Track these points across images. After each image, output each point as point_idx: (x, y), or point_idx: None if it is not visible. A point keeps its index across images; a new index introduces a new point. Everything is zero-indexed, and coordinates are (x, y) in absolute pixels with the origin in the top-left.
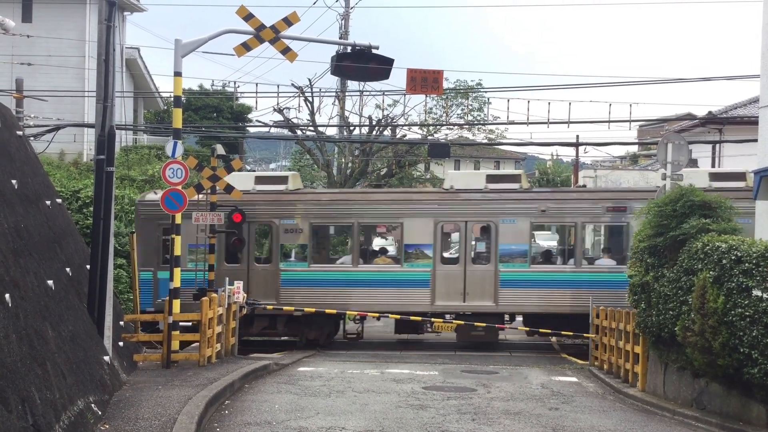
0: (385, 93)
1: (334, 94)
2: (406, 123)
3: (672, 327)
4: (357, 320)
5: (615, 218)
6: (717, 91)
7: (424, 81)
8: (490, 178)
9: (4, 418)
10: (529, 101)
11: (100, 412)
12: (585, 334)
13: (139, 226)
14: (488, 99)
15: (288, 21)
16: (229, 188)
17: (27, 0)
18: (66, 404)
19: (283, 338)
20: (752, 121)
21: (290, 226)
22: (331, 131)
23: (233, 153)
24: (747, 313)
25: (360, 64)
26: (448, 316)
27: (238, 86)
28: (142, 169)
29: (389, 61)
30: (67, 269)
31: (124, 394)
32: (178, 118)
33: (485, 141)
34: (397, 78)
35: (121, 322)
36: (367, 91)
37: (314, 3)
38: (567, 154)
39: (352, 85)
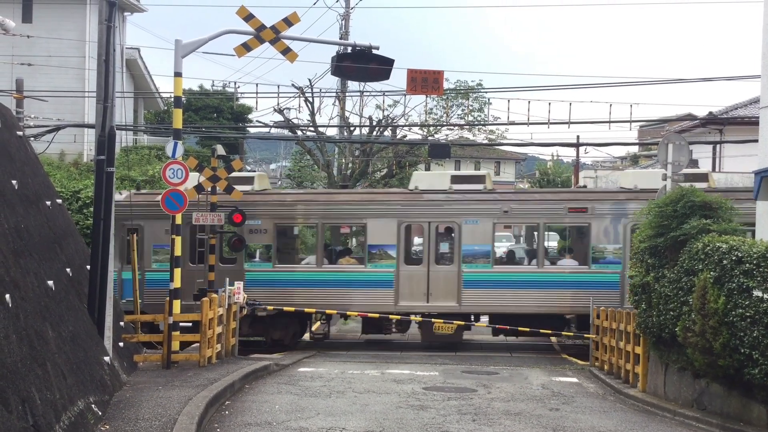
0: (386, 93)
1: (334, 94)
2: (407, 123)
3: (672, 327)
4: (323, 320)
5: (576, 219)
6: (717, 92)
7: (425, 81)
8: (455, 179)
9: (5, 418)
10: (529, 102)
11: (100, 413)
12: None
13: None
14: (488, 99)
15: (288, 21)
16: (229, 189)
17: (27, 0)
18: (66, 404)
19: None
20: (753, 122)
21: (255, 226)
22: (332, 132)
23: (233, 153)
24: (748, 314)
25: (360, 64)
26: (412, 317)
27: (239, 87)
28: (142, 169)
29: (389, 62)
30: (68, 270)
31: (124, 395)
32: (178, 119)
33: (485, 141)
34: (398, 78)
35: (122, 323)
36: (367, 91)
37: (314, 3)
38: (567, 154)
39: (352, 85)
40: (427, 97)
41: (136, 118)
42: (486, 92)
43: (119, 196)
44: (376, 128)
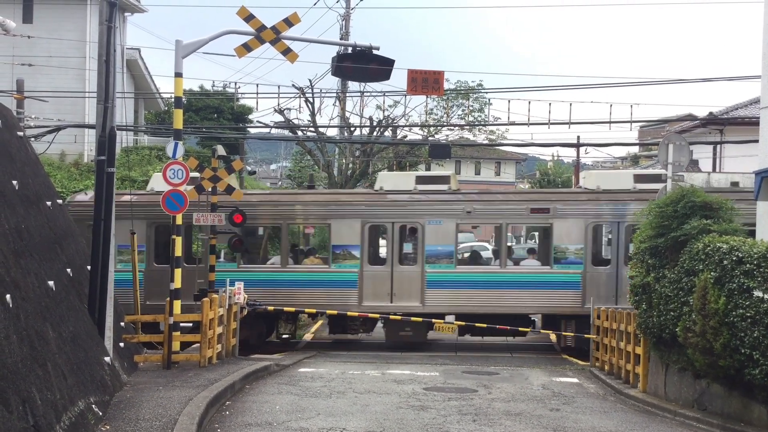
0: (386, 94)
1: (334, 94)
2: (407, 124)
3: (673, 328)
4: (289, 321)
5: (538, 220)
6: (718, 92)
7: (425, 82)
8: (420, 180)
9: (5, 418)
10: (529, 102)
11: (100, 413)
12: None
13: None
14: (489, 100)
15: (289, 22)
16: (230, 189)
17: (28, 1)
18: (67, 405)
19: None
20: (753, 122)
21: (219, 227)
22: (332, 132)
23: (234, 154)
24: (748, 314)
25: (361, 64)
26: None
27: (239, 87)
28: (142, 169)
29: (390, 62)
30: (68, 270)
31: (124, 395)
32: (178, 119)
33: (486, 142)
34: (398, 79)
35: (122, 323)
36: (367, 91)
37: (315, 4)
38: (568, 154)
39: (352, 85)
40: (427, 97)
41: (136, 119)
42: (486, 92)
43: (84, 196)
44: (377, 129)
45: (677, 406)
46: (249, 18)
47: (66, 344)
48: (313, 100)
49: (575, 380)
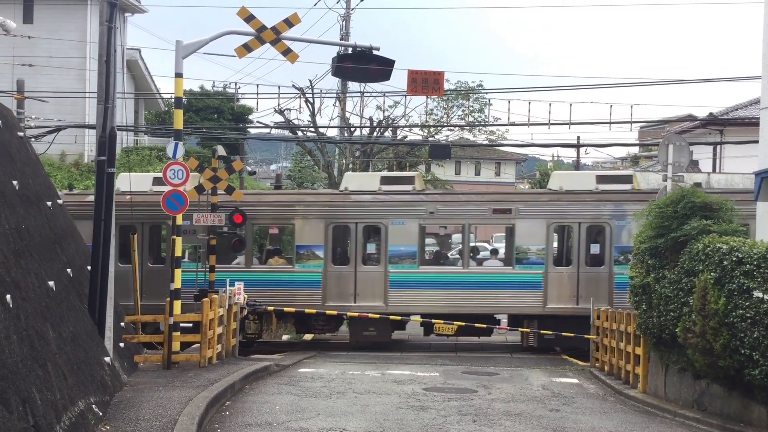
0: (386, 94)
1: (335, 95)
2: (407, 124)
3: (673, 328)
4: (256, 320)
5: (500, 220)
6: (718, 93)
7: (425, 82)
8: (385, 180)
9: (5, 418)
10: (530, 102)
11: (100, 413)
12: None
13: None
14: (489, 100)
15: (289, 22)
16: (230, 189)
17: (28, 1)
18: (67, 405)
19: None
20: (753, 123)
21: (186, 227)
22: (332, 132)
23: (234, 154)
24: (748, 315)
25: (361, 65)
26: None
27: (239, 87)
28: (143, 170)
29: (390, 63)
30: (68, 270)
31: (124, 395)
32: (179, 119)
33: (486, 142)
34: (398, 79)
35: (122, 323)
36: (367, 92)
37: (315, 4)
38: (568, 155)
39: (353, 86)
40: (427, 97)
41: (136, 119)
42: (486, 93)
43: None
44: (377, 129)
45: (677, 406)
46: (249, 18)
47: (66, 344)
48: (314, 101)
49: (575, 381)
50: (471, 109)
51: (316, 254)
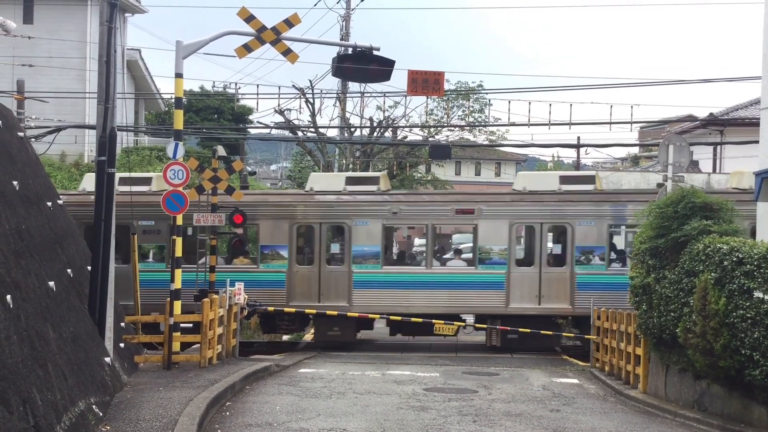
0: (386, 94)
1: (335, 95)
2: (407, 124)
3: (673, 329)
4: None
5: (464, 220)
6: (718, 93)
7: (425, 82)
8: (350, 180)
9: (6, 419)
10: (530, 102)
11: (101, 414)
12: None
13: None
14: (489, 100)
15: (289, 22)
16: (230, 189)
17: (28, 1)
18: (67, 405)
19: None
20: (753, 123)
21: (149, 227)
22: (332, 132)
23: (234, 154)
24: (748, 315)
25: (361, 65)
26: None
27: (239, 88)
28: (143, 170)
29: (390, 63)
30: (69, 270)
31: (125, 396)
32: (179, 120)
33: (486, 142)
34: (398, 79)
35: (122, 324)
36: (368, 92)
37: (315, 5)
38: (568, 155)
39: (353, 86)
40: (427, 98)
41: (137, 119)
42: (486, 93)
43: None
44: (377, 129)
45: (677, 406)
46: (249, 19)
47: (66, 345)
48: (314, 101)
49: (575, 381)
50: (471, 109)
51: (280, 254)
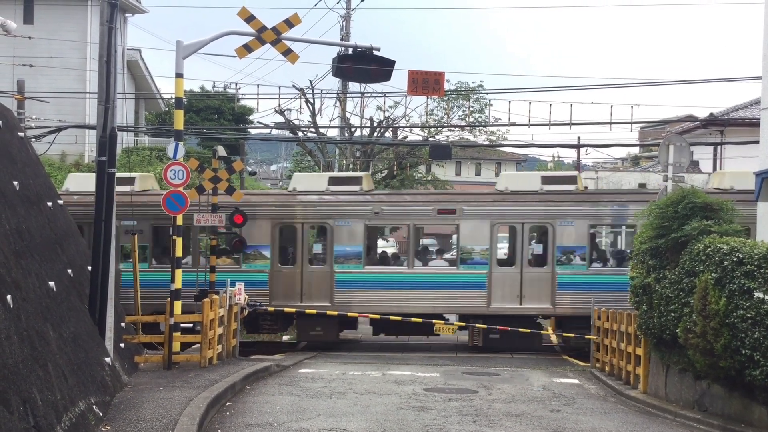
0: (387, 94)
1: (335, 95)
2: (408, 125)
3: (673, 329)
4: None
5: (445, 220)
6: (718, 93)
7: (426, 83)
8: (333, 181)
9: (6, 419)
10: (530, 103)
11: (101, 414)
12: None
13: None
14: (489, 101)
15: (289, 23)
16: (230, 189)
17: (28, 1)
18: (67, 405)
19: None
20: (754, 123)
21: (131, 227)
22: (333, 133)
23: (234, 154)
24: (749, 315)
25: (361, 65)
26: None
27: (240, 88)
28: (143, 170)
29: (390, 63)
30: (69, 270)
31: (125, 396)
32: (179, 120)
33: (486, 143)
34: (399, 80)
35: (123, 324)
36: (368, 92)
37: (315, 5)
38: (568, 155)
39: (353, 86)
40: (427, 98)
41: (137, 119)
42: (487, 93)
43: None
44: (377, 129)
45: (678, 407)
46: (250, 19)
47: (67, 345)
48: (314, 101)
49: (576, 381)
50: (471, 109)
51: (262, 254)
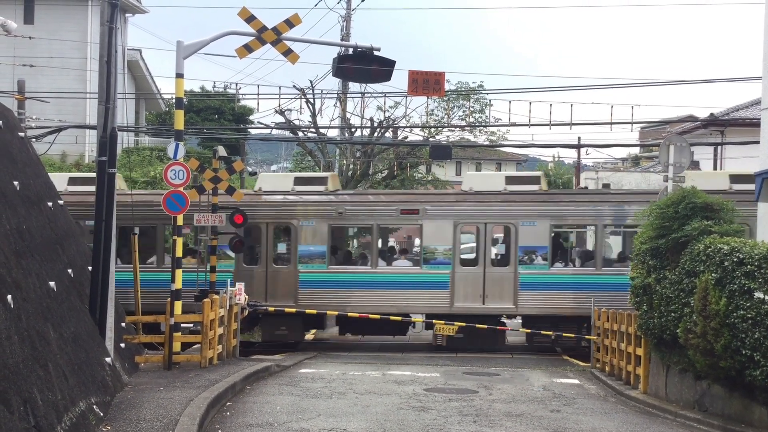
0: (387, 95)
1: (335, 95)
2: (408, 125)
3: (674, 329)
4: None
5: (408, 220)
6: (719, 93)
7: (426, 83)
8: (298, 181)
9: (6, 419)
10: (530, 103)
11: (101, 414)
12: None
13: None
14: (490, 101)
15: (290, 23)
16: (230, 190)
17: (29, 1)
18: (68, 405)
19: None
20: (754, 123)
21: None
22: (333, 133)
23: (235, 155)
24: (749, 315)
25: (361, 65)
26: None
27: (240, 88)
28: (143, 170)
29: (391, 63)
30: (69, 270)
31: (125, 396)
32: (179, 120)
33: (487, 143)
34: (399, 80)
35: (123, 324)
36: (368, 92)
37: (316, 5)
38: (569, 155)
39: (353, 86)
40: (428, 98)
41: (137, 119)
42: (487, 93)
43: None
44: (377, 129)
45: (678, 407)
46: (250, 19)
47: (67, 345)
48: (314, 101)
49: (576, 381)
50: (472, 109)
51: (227, 254)
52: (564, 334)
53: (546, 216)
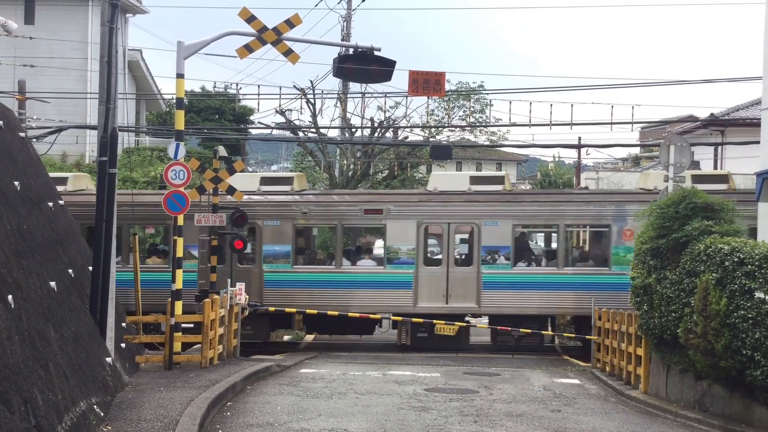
0: (387, 95)
1: (336, 95)
2: (408, 125)
3: (674, 329)
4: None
5: (372, 220)
6: (719, 93)
7: (426, 83)
8: (264, 181)
9: (7, 419)
10: (531, 103)
11: (102, 414)
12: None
13: None
14: (490, 101)
15: (290, 23)
16: (231, 190)
17: (29, 2)
18: (68, 405)
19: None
20: (754, 123)
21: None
22: (333, 133)
23: (235, 155)
24: (749, 315)
25: (362, 66)
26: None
27: (240, 88)
28: (144, 170)
29: (391, 63)
30: (70, 270)
31: (126, 396)
32: (180, 120)
33: (487, 143)
34: (399, 80)
35: (123, 324)
36: (368, 92)
37: (316, 5)
38: (569, 155)
39: (354, 86)
40: (428, 98)
41: (138, 120)
42: (487, 93)
43: None
44: (378, 129)
45: (678, 407)
46: (250, 19)
47: (68, 345)
48: (315, 101)
49: (576, 381)
50: (472, 109)
51: (192, 254)
52: (566, 335)
53: (508, 216)
